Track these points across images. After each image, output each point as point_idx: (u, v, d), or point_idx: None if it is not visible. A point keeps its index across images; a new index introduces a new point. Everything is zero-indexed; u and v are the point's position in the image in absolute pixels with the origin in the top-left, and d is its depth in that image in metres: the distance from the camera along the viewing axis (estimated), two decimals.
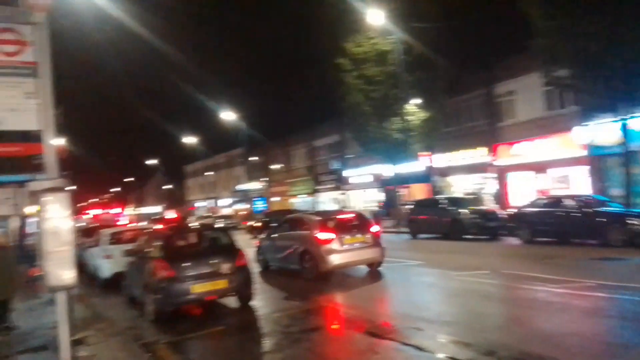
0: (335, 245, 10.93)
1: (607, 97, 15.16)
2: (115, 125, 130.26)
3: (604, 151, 20.12)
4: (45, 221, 5.14)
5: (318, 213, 16.40)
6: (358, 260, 11.38)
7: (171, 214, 52.23)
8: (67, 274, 5.27)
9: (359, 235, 11.45)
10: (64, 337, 5.37)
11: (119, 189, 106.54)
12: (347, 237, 11.20)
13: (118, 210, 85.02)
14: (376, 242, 11.72)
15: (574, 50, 14.48)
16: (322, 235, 11.06)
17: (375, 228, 12.11)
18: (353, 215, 13.04)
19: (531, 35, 15.69)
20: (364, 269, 12.05)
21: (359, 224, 12.02)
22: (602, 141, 20.00)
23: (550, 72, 16.36)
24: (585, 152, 21.17)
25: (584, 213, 14.28)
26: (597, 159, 20.80)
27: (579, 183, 21.79)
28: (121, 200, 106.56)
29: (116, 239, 12.96)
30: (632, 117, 15.30)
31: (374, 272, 11.78)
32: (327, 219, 11.87)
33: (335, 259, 10.85)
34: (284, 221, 13.51)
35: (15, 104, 5.40)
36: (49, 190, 5.14)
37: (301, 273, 11.35)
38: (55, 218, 5.15)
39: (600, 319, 6.70)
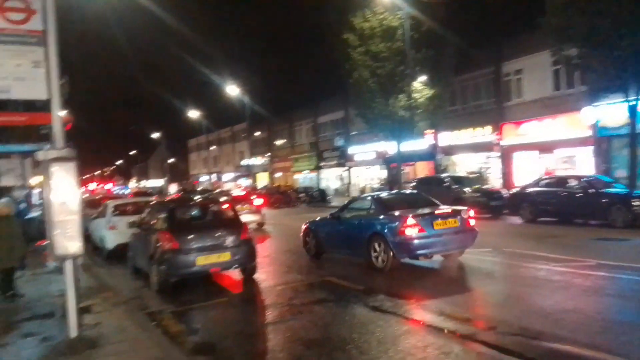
0: None
1: (617, 78, 14.96)
2: (120, 98, 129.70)
3: (611, 132, 19.99)
4: (52, 191, 5.15)
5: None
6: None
7: (173, 188, 52.05)
8: (74, 244, 5.30)
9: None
10: (72, 304, 5.45)
11: (121, 161, 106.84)
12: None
13: (109, 185, 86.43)
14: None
15: (585, 29, 14.23)
16: None
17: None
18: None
19: (541, 12, 15.41)
20: None
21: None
22: (609, 122, 19.84)
23: (560, 51, 16.10)
24: (591, 133, 21.03)
25: (587, 194, 14.27)
26: (603, 139, 20.67)
27: (584, 164, 21.70)
28: (124, 173, 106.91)
29: (121, 210, 13.02)
30: None
31: None
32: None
33: None
34: None
35: (22, 73, 5.35)
36: (56, 160, 5.13)
37: None
38: (62, 188, 5.16)
39: (599, 297, 6.76)
